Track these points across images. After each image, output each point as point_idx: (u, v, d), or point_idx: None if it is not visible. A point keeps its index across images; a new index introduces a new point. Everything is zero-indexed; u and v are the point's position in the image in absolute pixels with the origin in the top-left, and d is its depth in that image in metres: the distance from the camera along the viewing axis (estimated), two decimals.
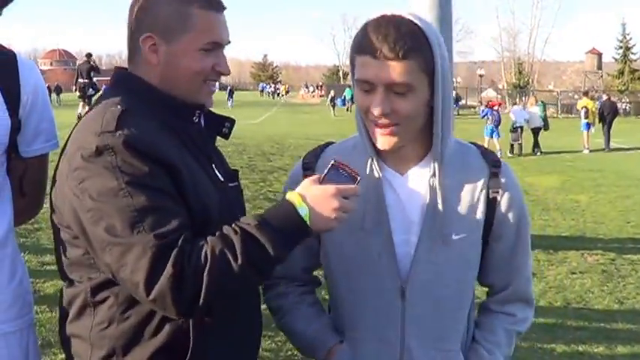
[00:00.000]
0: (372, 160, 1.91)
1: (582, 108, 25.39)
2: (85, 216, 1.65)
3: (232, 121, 2.01)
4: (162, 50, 1.82)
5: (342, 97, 53.09)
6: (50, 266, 6.35)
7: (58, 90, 54.17)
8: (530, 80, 64.74)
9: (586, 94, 29.55)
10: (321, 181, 1.72)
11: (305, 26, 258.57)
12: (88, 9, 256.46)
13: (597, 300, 7.14)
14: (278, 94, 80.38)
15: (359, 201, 1.81)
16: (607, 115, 24.90)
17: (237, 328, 1.91)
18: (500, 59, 66.69)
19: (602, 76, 66.09)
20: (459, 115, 41.45)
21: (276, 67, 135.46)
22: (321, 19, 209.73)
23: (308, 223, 1.67)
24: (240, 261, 1.60)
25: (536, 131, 22.81)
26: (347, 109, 48.95)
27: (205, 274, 1.59)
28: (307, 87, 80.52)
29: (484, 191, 1.94)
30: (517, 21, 67.79)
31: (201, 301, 1.60)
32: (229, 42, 1.91)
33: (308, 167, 2.02)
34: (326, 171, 1.74)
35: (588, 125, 24.40)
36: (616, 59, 67.05)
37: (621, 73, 64.86)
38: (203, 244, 1.63)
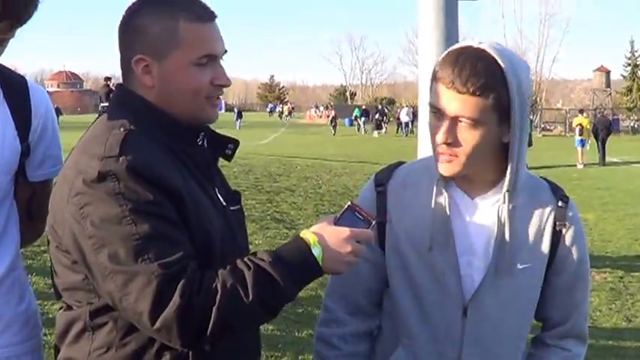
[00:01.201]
0: (439, 180, 1.94)
1: (577, 125, 26.47)
2: (87, 243, 1.61)
3: (236, 143, 1.96)
4: (155, 71, 1.75)
5: (352, 117, 53.42)
6: None
7: (57, 112, 54.59)
8: (539, 99, 64.69)
9: (581, 111, 31.04)
10: (336, 222, 1.72)
11: (312, 46, 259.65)
12: (96, 30, 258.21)
13: (605, 318, 7.12)
14: (289, 114, 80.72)
15: (426, 220, 1.89)
16: (600, 132, 26.17)
17: (238, 353, 1.87)
18: None
19: (610, 94, 65.93)
20: None
21: (283, 87, 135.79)
22: (328, 39, 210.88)
23: (320, 263, 1.66)
24: (251, 297, 1.58)
25: None
26: (357, 129, 49.28)
27: (215, 307, 1.56)
28: (317, 107, 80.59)
29: (551, 224, 1.98)
30: (525, 40, 67.76)
31: (207, 334, 1.58)
32: (225, 51, 1.84)
33: (380, 184, 2.06)
34: (341, 212, 1.75)
35: (582, 142, 25.36)
36: (624, 77, 66.86)
37: (630, 90, 64.61)
38: (213, 277, 1.60)
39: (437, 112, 1.85)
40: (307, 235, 1.69)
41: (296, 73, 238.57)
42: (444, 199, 1.94)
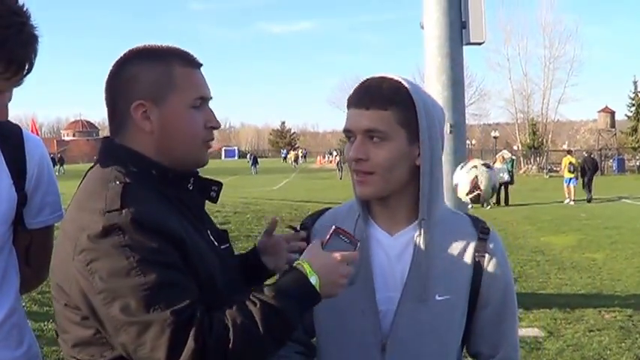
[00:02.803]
0: (359, 217, 2.01)
1: (568, 164, 27.83)
2: (97, 298, 1.62)
3: (220, 185, 1.99)
4: (154, 116, 1.80)
5: None
6: None
7: (62, 161, 55.86)
8: (545, 141, 64.62)
9: (569, 152, 32.46)
10: (324, 247, 1.80)
11: (321, 92, 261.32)
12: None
13: (616, 357, 7.06)
14: (295, 160, 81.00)
15: None
16: (588, 170, 28.32)
17: None
18: (514, 121, 66.80)
19: (615, 134, 65.86)
20: None
21: (293, 133, 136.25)
22: (337, 85, 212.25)
23: (318, 290, 1.73)
24: (261, 332, 1.63)
25: (503, 185, 24.25)
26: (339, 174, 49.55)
27: (229, 347, 1.60)
28: (331, 153, 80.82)
29: (470, 255, 2.00)
30: (530, 82, 67.91)
31: None
32: (211, 98, 1.91)
33: (304, 227, 2.17)
34: (328, 236, 1.81)
35: (571, 179, 27.26)
36: (629, 117, 66.69)
37: (635, 130, 64.38)
38: (222, 318, 1.63)
39: (349, 134, 1.93)
40: (302, 264, 1.75)
41: (307, 119, 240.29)
42: (363, 235, 1.99)
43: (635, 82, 65.56)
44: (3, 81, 1.81)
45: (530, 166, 56.30)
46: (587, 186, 28.01)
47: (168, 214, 1.74)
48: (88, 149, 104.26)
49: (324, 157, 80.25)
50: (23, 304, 2.31)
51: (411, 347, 1.96)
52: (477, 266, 1.99)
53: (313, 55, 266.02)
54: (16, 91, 1.94)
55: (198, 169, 1.94)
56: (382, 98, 1.87)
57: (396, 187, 1.95)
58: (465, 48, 7.22)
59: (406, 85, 1.91)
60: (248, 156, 52.30)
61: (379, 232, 2.02)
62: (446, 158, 7.07)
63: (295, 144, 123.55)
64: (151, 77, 1.81)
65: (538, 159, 57.83)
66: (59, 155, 57.83)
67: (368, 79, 1.95)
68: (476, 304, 2.01)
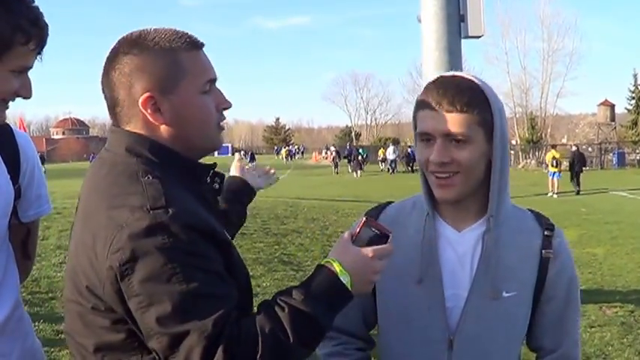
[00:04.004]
0: (428, 215, 2.00)
1: (552, 158, 29.38)
2: (133, 300, 1.55)
3: (222, 176, 1.91)
4: (165, 107, 1.72)
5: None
6: None
7: (42, 160, 55.35)
8: (544, 135, 64.79)
9: (554, 146, 34.44)
10: (354, 241, 1.73)
11: (316, 88, 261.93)
12: (99, 77, 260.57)
13: (617, 353, 7.03)
14: (292, 157, 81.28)
15: (415, 254, 1.92)
16: (576, 164, 29.31)
17: None
18: (512, 115, 66.86)
19: (615, 128, 65.94)
20: None
21: (288, 129, 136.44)
22: (332, 79, 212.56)
23: (350, 289, 1.67)
24: (291, 339, 1.58)
25: None
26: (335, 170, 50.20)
27: (259, 356, 1.54)
28: (328, 149, 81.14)
29: (537, 252, 2.01)
30: (529, 76, 68.05)
31: None
32: (217, 77, 1.84)
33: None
34: (358, 229, 1.75)
35: (554, 173, 28.50)
36: (629, 110, 66.81)
37: (635, 123, 64.54)
38: (250, 326, 1.57)
39: (427, 137, 1.91)
40: (332, 263, 1.68)
41: (302, 115, 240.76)
42: (432, 233, 1.99)
43: (635, 75, 65.66)
44: (34, 56, 1.90)
45: (529, 160, 56.36)
46: (576, 179, 28.92)
47: (206, 212, 1.68)
48: (78, 147, 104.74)
49: (319, 153, 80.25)
50: None
51: (478, 343, 1.97)
52: (543, 262, 2.01)
53: (308, 50, 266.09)
54: None
55: (215, 162, 1.88)
56: (462, 100, 1.86)
57: (474, 187, 1.96)
58: (463, 41, 7.15)
59: (479, 83, 1.91)
60: (242, 153, 52.32)
61: (447, 229, 2.02)
62: None
63: (290, 140, 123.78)
64: (158, 67, 1.72)
65: (537, 153, 57.81)
66: (39, 154, 58.06)
67: (442, 79, 1.93)
68: (540, 299, 2.02)
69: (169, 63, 1.72)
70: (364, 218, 1.78)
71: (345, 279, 1.66)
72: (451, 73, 1.95)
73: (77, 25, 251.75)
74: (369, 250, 1.70)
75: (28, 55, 1.88)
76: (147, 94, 1.71)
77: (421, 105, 1.92)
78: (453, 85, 1.88)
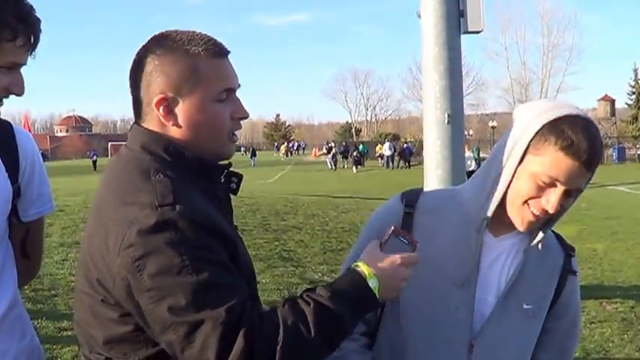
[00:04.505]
0: (485, 224, 1.94)
1: None
2: (144, 295, 1.57)
3: (240, 177, 1.93)
4: (178, 109, 1.75)
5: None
6: (67, 332, 6.37)
7: (43, 157, 55.46)
8: None
9: None
10: (382, 248, 1.74)
11: (317, 84, 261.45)
12: (104, 74, 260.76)
13: (618, 349, 7.03)
14: (292, 153, 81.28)
15: (451, 255, 1.91)
16: None
17: None
18: (512, 110, 66.60)
19: (615, 123, 65.88)
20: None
21: (288, 125, 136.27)
22: (332, 76, 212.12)
23: (377, 295, 1.67)
24: (313, 333, 1.57)
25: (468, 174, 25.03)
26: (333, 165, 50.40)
27: (279, 347, 1.54)
28: (328, 144, 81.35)
29: (559, 270, 2.05)
30: (528, 71, 68.07)
31: None
32: (239, 85, 1.85)
33: (409, 204, 2.05)
34: (387, 237, 1.76)
35: None
36: (629, 105, 66.66)
37: (635, 118, 64.39)
38: (272, 316, 1.58)
39: (549, 179, 1.82)
40: (361, 267, 1.69)
41: (302, 112, 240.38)
42: (479, 238, 1.96)
43: (635, 70, 65.50)
44: (25, 52, 1.89)
45: None
46: None
47: (215, 211, 1.71)
48: (81, 145, 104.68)
49: (319, 150, 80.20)
50: None
51: (495, 351, 1.97)
52: (561, 282, 2.05)
53: (308, 46, 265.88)
54: None
55: (230, 161, 1.90)
56: (599, 159, 1.84)
57: None
58: (463, 37, 7.14)
59: None
60: (242, 149, 52.25)
61: (486, 234, 1.99)
62: (443, 149, 7.00)
63: (290, 136, 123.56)
64: (174, 70, 1.75)
65: None
66: (41, 152, 58.21)
67: (589, 128, 1.82)
68: (550, 316, 2.05)
69: (187, 67, 1.75)
70: (392, 227, 1.78)
71: (373, 283, 1.66)
72: (584, 115, 1.84)
73: (81, 23, 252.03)
74: (397, 257, 1.71)
75: (17, 52, 1.87)
76: (161, 95, 1.75)
77: (565, 149, 1.79)
78: (599, 141, 1.82)
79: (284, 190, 22.35)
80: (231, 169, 1.90)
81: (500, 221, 1.96)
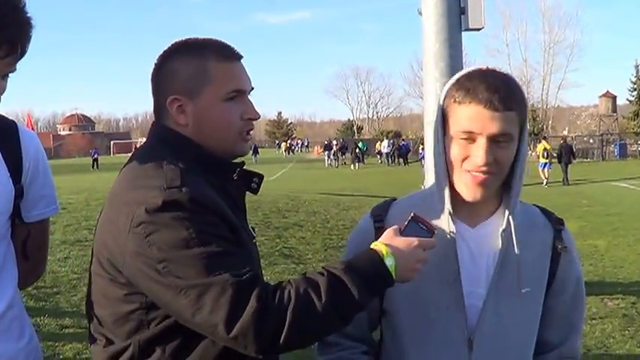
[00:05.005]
0: (449, 214, 1.93)
1: (543, 150, 31.24)
2: (155, 267, 1.65)
3: (261, 177, 2.06)
4: (189, 109, 1.88)
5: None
6: (69, 329, 6.39)
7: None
8: (545, 126, 64.64)
9: (545, 138, 36.40)
10: (402, 233, 1.79)
11: (318, 82, 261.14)
12: (106, 73, 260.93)
13: (619, 345, 7.03)
14: (293, 151, 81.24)
15: (431, 255, 1.86)
16: (564, 156, 30.68)
17: None
18: None
19: (617, 119, 65.72)
20: None
21: (290, 123, 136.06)
22: (334, 73, 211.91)
23: (393, 274, 1.72)
24: (324, 301, 1.63)
25: None
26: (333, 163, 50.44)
27: (289, 311, 1.61)
28: (327, 142, 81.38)
29: (550, 247, 2.01)
30: (530, 68, 67.99)
31: (282, 338, 1.61)
32: (252, 88, 1.96)
33: (378, 220, 2.05)
34: (406, 223, 1.80)
35: (546, 164, 30.19)
36: (630, 101, 66.44)
37: (636, 115, 64.11)
38: (285, 284, 1.67)
39: (470, 135, 1.82)
40: (379, 246, 1.75)
41: (304, 109, 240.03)
42: (450, 229, 1.93)
43: (637, 66, 65.17)
44: (7, 62, 1.85)
45: (530, 152, 56.21)
46: (565, 170, 30.24)
47: (223, 204, 1.80)
48: (84, 143, 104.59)
49: (321, 147, 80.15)
50: None
51: (497, 341, 1.95)
52: (555, 258, 2.01)
53: (310, 44, 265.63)
54: (12, 86, 1.96)
55: (243, 160, 2.00)
56: (511, 99, 1.81)
57: (498, 185, 1.93)
58: (464, 34, 7.13)
59: (515, 80, 1.89)
60: (253, 146, 52.64)
61: (461, 226, 1.97)
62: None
63: (292, 134, 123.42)
64: (186, 72, 1.88)
65: (538, 145, 57.64)
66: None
67: (485, 73, 1.86)
68: (549, 293, 2.02)
69: (197, 69, 1.88)
70: (412, 214, 1.81)
71: (389, 261, 1.71)
72: (485, 67, 1.88)
73: (83, 22, 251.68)
74: (414, 239, 1.76)
75: None
76: (173, 96, 1.88)
77: (463, 99, 1.83)
78: (500, 81, 1.82)
79: (286, 188, 22.32)
80: (244, 167, 1.99)
81: (473, 210, 1.96)
